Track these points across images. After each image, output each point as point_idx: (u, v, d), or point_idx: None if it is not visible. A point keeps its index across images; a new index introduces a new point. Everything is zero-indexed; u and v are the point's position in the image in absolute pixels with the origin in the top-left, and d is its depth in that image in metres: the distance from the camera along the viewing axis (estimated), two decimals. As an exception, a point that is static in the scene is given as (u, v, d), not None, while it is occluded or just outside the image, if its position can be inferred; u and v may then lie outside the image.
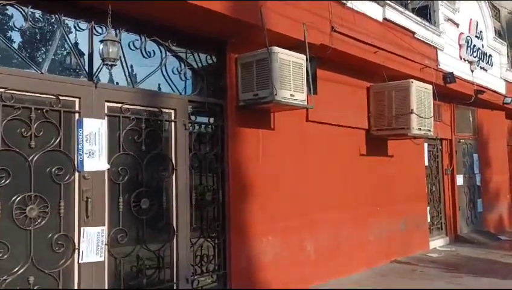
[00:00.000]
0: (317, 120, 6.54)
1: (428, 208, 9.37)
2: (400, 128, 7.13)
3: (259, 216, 5.58)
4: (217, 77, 5.35)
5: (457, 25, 9.52)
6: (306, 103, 5.42)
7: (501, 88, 11.67)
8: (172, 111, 4.76)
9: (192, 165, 4.91)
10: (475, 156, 11.07)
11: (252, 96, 5.23)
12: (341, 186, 7.00)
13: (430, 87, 7.56)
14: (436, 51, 8.69)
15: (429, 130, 7.43)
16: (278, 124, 5.91)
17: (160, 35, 4.74)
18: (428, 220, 9.34)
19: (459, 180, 10.37)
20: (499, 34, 12.65)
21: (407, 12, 7.85)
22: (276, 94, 4.97)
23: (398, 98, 7.19)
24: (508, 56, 12.73)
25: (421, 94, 7.26)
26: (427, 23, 8.33)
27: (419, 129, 7.16)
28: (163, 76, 4.82)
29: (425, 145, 9.42)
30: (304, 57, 5.42)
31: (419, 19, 8.12)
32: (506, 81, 11.98)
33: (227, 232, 5.23)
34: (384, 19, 7.31)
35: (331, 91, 6.86)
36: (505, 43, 12.03)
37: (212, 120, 5.30)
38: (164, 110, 4.70)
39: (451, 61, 9.23)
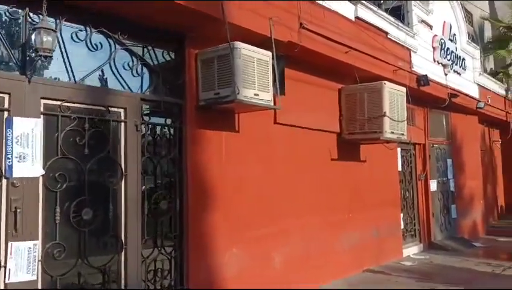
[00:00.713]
0: (286, 122, 6.16)
1: (401, 214, 9.10)
2: (372, 131, 6.81)
3: (222, 226, 5.14)
4: (175, 74, 4.91)
5: (430, 26, 9.33)
6: (272, 104, 5.03)
7: (474, 92, 11.57)
8: (122, 110, 4.29)
9: (144, 170, 4.45)
10: (449, 161, 10.90)
11: (213, 96, 4.80)
12: (311, 193, 6.62)
13: (403, 89, 7.28)
14: (410, 53, 8.45)
15: (402, 134, 7.15)
16: (243, 125, 5.50)
17: (108, 26, 4.27)
18: (402, 227, 9.06)
19: (433, 185, 10.16)
20: (472, 38, 12.60)
21: (380, 11, 7.58)
22: (238, 93, 4.56)
23: (371, 101, 6.89)
24: (480, 60, 12.69)
25: (394, 96, 6.97)
26: (400, 24, 8.08)
27: (392, 133, 6.86)
28: (112, 72, 4.35)
29: (399, 150, 9.16)
30: (270, 54, 5.03)
31: (392, 19, 7.86)
32: (479, 85, 11.90)
33: (185, 244, 4.77)
34: (357, 17, 7.00)
35: (301, 92, 6.50)
36: (478, 47, 11.96)
37: (169, 121, 4.84)
38: (112, 109, 4.22)
39: (424, 63, 9.02)
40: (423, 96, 9.49)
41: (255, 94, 4.77)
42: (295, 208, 6.28)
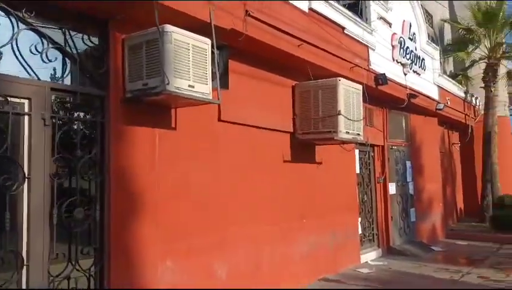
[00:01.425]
0: (232, 120, 5.61)
1: (359, 218, 8.71)
2: (327, 131, 6.35)
3: (154, 236, 4.52)
4: (98, 61, 4.27)
5: (389, 24, 9.01)
6: (210, 97, 4.45)
7: (434, 93, 11.38)
8: (26, 101, 3.62)
9: (55, 173, 3.78)
10: (408, 163, 10.63)
11: (140, 86, 4.19)
12: (262, 198, 6.09)
13: (359, 87, 6.87)
14: (368, 50, 8.08)
15: (358, 134, 6.72)
16: (181, 122, 4.90)
17: (9, 1, 3.59)
18: (360, 232, 8.67)
19: (392, 188, 9.85)
20: (432, 39, 12.45)
21: (336, 4, 7.15)
22: (168, 83, 3.96)
23: (325, 98, 6.42)
24: (440, 61, 12.56)
25: (349, 94, 6.54)
26: (358, 19, 7.70)
27: (348, 133, 6.42)
28: (15, 55, 3.66)
29: (357, 151, 8.78)
30: (209, 41, 4.45)
31: (349, 13, 7.46)
32: (438, 86, 11.73)
33: (107, 258, 4.12)
34: (311, 9, 6.54)
35: (250, 87, 5.97)
36: (438, 47, 11.80)
37: (89, 115, 4.18)
38: (13, 99, 3.54)
39: (383, 62, 8.68)
40: (382, 96, 9.16)
41: (190, 86, 4.18)
42: (243, 215, 5.72)
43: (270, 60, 6.18)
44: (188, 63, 4.19)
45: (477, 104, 15.30)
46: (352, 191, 8.47)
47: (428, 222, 11.20)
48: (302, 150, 6.96)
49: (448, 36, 15.91)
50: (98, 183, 4.13)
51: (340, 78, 6.42)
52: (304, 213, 6.91)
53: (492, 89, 13.89)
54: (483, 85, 14.07)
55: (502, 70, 14.42)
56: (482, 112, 14.54)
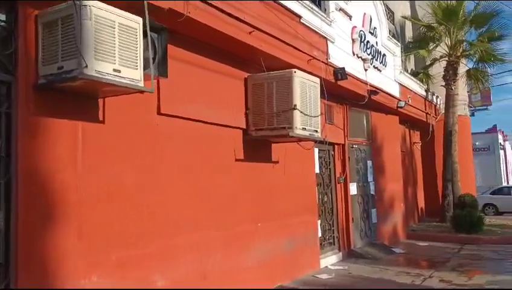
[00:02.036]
0: (174, 113, 5.01)
1: (319, 221, 8.27)
2: (281, 127, 5.84)
3: (76, 247, 3.86)
4: (4, 41, 3.57)
5: (350, 17, 8.61)
6: (141, 84, 3.84)
7: (395, 91, 11.12)
8: None
9: None
10: (369, 162, 10.30)
11: (56, 70, 3.53)
12: (210, 201, 5.51)
13: (317, 80, 6.40)
14: (327, 42, 7.64)
15: (316, 131, 6.25)
16: (111, 114, 4.26)
17: None
18: (320, 235, 8.23)
19: (353, 189, 9.47)
20: (393, 36, 12.20)
21: (292, -9, 6.66)
22: (86, 66, 3.33)
23: (280, 92, 5.91)
24: (401, 58, 12.35)
25: (306, 88, 6.05)
26: (315, 9, 7.23)
27: (304, 129, 5.93)
28: None
29: (316, 150, 8.33)
30: (140, 20, 3.84)
31: (307, 1, 6.98)
32: (400, 84, 11.49)
33: (13, 275, 3.44)
34: (264, -6, 6.02)
35: (196, 78, 5.39)
36: (399, 44, 11.55)
37: (-9, 105, 3.49)
38: None
39: (343, 56, 8.27)
40: (342, 93, 8.77)
41: (115, 70, 3.56)
42: (188, 220, 5.13)
43: (219, 48, 5.63)
44: (113, 44, 3.57)
45: (438, 103, 15.26)
46: (312, 191, 8.02)
47: (390, 223, 10.92)
48: (257, 148, 6.44)
49: (409, 34, 15.81)
50: (1, 186, 3.43)
51: (295, 69, 5.93)
52: (258, 216, 6.38)
53: (453, 88, 13.84)
54: (444, 84, 14.01)
55: (462, 70, 14.43)
56: (443, 111, 14.49)
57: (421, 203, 14.97)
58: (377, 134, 10.82)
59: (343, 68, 7.79)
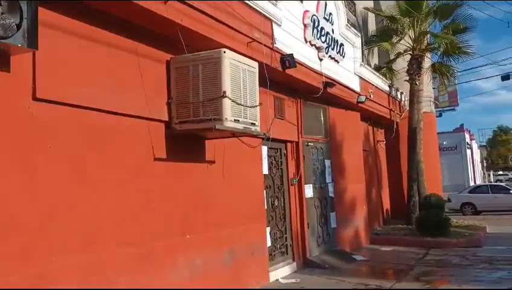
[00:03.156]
0: (58, 99, 3.93)
1: (268, 228, 7.31)
2: (208, 119, 4.83)
3: None
4: None
5: (300, -1, 7.71)
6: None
7: (355, 85, 10.30)
8: None
9: None
10: (327, 162, 9.41)
11: None
12: (117, 210, 4.46)
13: (255, 64, 5.44)
14: (272, 25, 6.68)
15: (253, 124, 5.28)
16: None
17: None
18: (269, 244, 7.26)
19: (308, 191, 8.56)
20: (354, 27, 11.40)
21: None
22: None
23: (207, 76, 4.91)
24: (362, 50, 11.58)
25: (240, 72, 5.07)
26: (256, -16, 6.28)
27: (237, 121, 4.95)
28: None
29: (264, 148, 7.37)
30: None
31: (245, -25, 6.02)
32: (360, 77, 10.68)
33: None
34: (188, -39, 5.01)
35: (97, 57, 4.33)
36: (359, 34, 10.74)
37: None
38: None
39: (293, 42, 7.35)
40: (294, 84, 7.87)
41: None
42: (78, 237, 4.04)
43: (128, 22, 4.59)
44: None
45: (403, 99, 14.60)
46: (258, 195, 7.04)
47: (351, 227, 10.06)
48: (185, 145, 5.42)
49: (373, 28, 15.10)
50: None
51: (225, 49, 4.94)
52: (187, 227, 5.35)
53: (417, 82, 13.17)
54: (408, 78, 13.33)
55: (427, 65, 13.81)
56: (408, 108, 13.81)
57: (386, 204, 14.23)
58: (336, 131, 9.96)
59: (291, 55, 6.87)
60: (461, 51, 12.64)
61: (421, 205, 12.48)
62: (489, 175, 52.64)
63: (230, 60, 4.92)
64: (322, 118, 9.56)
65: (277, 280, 7.19)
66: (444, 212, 12.37)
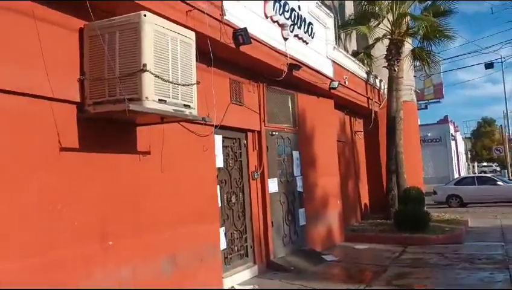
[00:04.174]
0: None
1: (223, 228, 6.44)
2: (126, 99, 3.92)
3: None
4: None
5: (258, -33, 6.81)
6: None
7: (327, 69, 9.45)
8: None
9: None
10: (295, 154, 8.56)
11: None
12: (8, 213, 3.54)
13: (191, 35, 4.53)
14: (220, -7, 5.79)
15: (188, 106, 4.38)
16: None
17: None
18: (224, 247, 6.41)
19: (273, 186, 7.70)
20: (327, 7, 10.51)
21: None
22: None
23: (124, 46, 4.00)
24: (335, 32, 10.73)
25: (168, 43, 4.17)
26: None
27: (163, 102, 4.05)
28: None
29: (218, 138, 6.50)
30: None
31: None
32: (333, 61, 9.83)
33: None
34: None
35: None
36: (332, 14, 9.87)
37: None
38: None
39: (250, 16, 6.47)
40: (253, 65, 7.00)
41: None
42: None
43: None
44: None
45: (382, 87, 13.83)
46: (210, 192, 6.16)
47: (323, 224, 9.23)
48: (106, 131, 4.51)
49: (350, 11, 14.24)
50: None
51: (145, 12, 4.02)
52: (109, 231, 4.45)
53: (396, 69, 12.36)
54: (386, 64, 12.52)
55: (408, 50, 13.01)
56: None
57: (365, 198, 13.46)
58: (305, 120, 9.10)
59: (245, 29, 5.97)
60: (442, 34, 11.86)
61: (401, 198, 11.72)
62: (473, 167, 52.50)
63: (153, 26, 4.01)
64: (290, 105, 8.69)
65: (233, 286, 6.35)
66: (423, 206, 11.63)
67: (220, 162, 6.53)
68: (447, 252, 8.21)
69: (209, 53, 5.36)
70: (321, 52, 9.24)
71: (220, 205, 6.41)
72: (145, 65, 3.87)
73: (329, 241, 9.33)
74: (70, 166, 4.11)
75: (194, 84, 4.47)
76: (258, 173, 7.41)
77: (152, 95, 3.92)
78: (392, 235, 9.76)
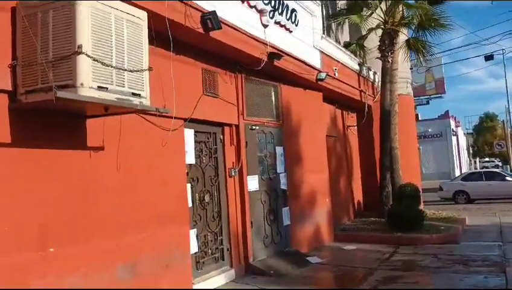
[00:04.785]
0: None
1: (194, 230, 5.95)
2: (60, 86, 3.41)
3: None
4: None
5: None
6: None
7: (314, 59, 8.94)
8: None
9: None
10: (279, 149, 8.05)
11: None
12: None
13: (141, 14, 4.02)
14: (184, -28, 5.27)
15: (137, 95, 3.88)
16: None
17: None
18: (195, 250, 5.91)
19: (252, 183, 7.20)
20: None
21: None
22: None
23: (59, 25, 3.50)
24: (327, 23, 10.19)
25: (111, 22, 3.66)
26: None
27: (104, 89, 3.55)
28: None
29: (190, 132, 6.01)
30: None
31: None
32: (321, 51, 9.31)
33: None
34: None
35: None
36: (319, 2, 9.33)
37: None
38: None
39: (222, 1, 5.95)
40: (228, 54, 6.49)
41: None
42: None
43: None
44: None
45: (377, 80, 13.27)
46: (178, 191, 5.67)
47: (309, 224, 8.72)
48: (47, 124, 4.02)
49: (342, 2, 13.67)
50: None
51: (81, -13, 3.51)
52: (51, 237, 3.96)
53: (390, 60, 11.81)
54: (379, 55, 11.97)
55: (402, 44, 12.45)
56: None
57: (359, 196, 12.93)
58: (291, 113, 8.58)
59: (214, 12, 5.46)
60: (437, 23, 11.29)
61: (395, 195, 11.21)
62: (475, 162, 51.89)
63: (92, 3, 3.50)
64: (273, 98, 8.17)
65: (204, 293, 5.87)
66: (419, 203, 11.11)
67: (191, 159, 6.04)
68: (440, 253, 7.71)
69: (174, 38, 4.85)
70: (307, 41, 8.72)
71: (190, 205, 5.92)
72: (80, 46, 3.37)
73: (317, 242, 8.83)
74: (0, 163, 3.61)
75: (145, 70, 3.96)
76: (236, 170, 6.91)
77: (89, 81, 3.42)
78: (383, 235, 9.25)
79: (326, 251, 8.41)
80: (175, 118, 5.43)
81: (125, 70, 3.74)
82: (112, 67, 3.61)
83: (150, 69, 4.03)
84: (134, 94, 3.84)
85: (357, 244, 8.82)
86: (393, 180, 11.63)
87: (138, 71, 3.88)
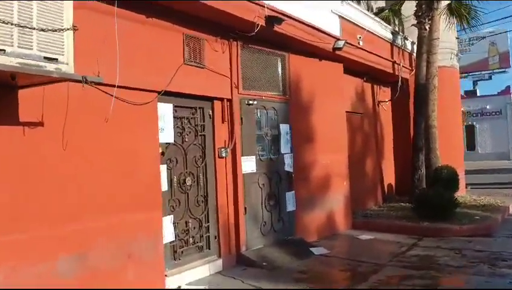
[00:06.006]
0: None
1: (170, 217, 5.33)
2: None
3: None
4: None
5: None
6: None
7: (333, 26, 7.94)
8: None
9: None
10: (284, 127, 7.21)
11: None
12: None
13: (61, -38, 3.32)
14: None
15: (54, 60, 3.22)
16: None
17: None
18: (172, 239, 5.32)
19: (248, 165, 6.47)
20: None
21: None
22: None
23: None
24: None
25: (13, -30, 3.00)
26: None
27: (1, 51, 2.92)
28: None
29: (166, 107, 5.34)
30: None
31: None
32: (341, 17, 8.28)
33: None
34: None
35: None
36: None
37: None
38: None
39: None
40: (216, 17, 5.68)
41: None
42: None
43: None
44: None
45: (415, 50, 11.93)
46: (148, 173, 5.04)
47: (320, 210, 7.88)
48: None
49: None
50: None
51: None
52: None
53: (427, 27, 10.49)
54: (416, 22, 10.67)
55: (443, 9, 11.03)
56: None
57: (390, 178, 11.82)
58: (300, 87, 7.69)
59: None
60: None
61: (430, 179, 10.08)
62: (539, 143, 47.79)
63: None
64: (280, 69, 7.31)
65: (179, 287, 5.27)
66: (457, 188, 9.93)
67: (168, 137, 5.38)
68: (466, 248, 6.66)
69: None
70: (323, 5, 7.72)
71: (166, 189, 5.30)
72: (-40, -1, 2.74)
73: (330, 230, 7.99)
74: None
75: (65, 30, 3.29)
76: (227, 150, 6.19)
77: (-25, 41, 2.80)
78: (407, 224, 8.24)
79: (337, 241, 7.57)
80: (143, 90, 4.80)
81: (34, 28, 3.08)
82: (12, 24, 2.97)
83: (74, 28, 3.36)
84: (48, 59, 3.19)
85: (376, 234, 7.90)
86: (429, 161, 10.50)
87: (55, 30, 3.21)
